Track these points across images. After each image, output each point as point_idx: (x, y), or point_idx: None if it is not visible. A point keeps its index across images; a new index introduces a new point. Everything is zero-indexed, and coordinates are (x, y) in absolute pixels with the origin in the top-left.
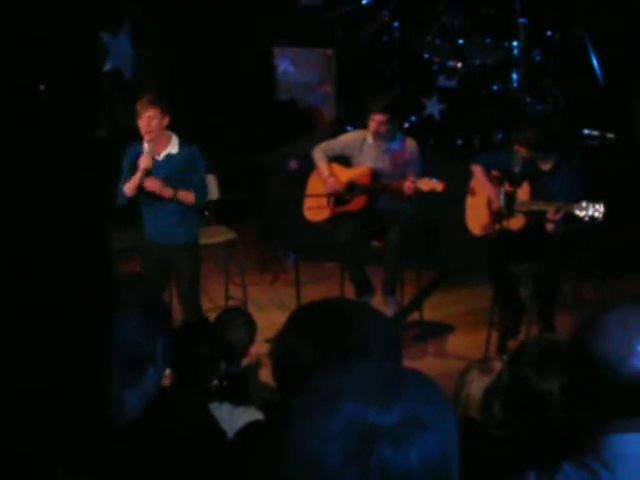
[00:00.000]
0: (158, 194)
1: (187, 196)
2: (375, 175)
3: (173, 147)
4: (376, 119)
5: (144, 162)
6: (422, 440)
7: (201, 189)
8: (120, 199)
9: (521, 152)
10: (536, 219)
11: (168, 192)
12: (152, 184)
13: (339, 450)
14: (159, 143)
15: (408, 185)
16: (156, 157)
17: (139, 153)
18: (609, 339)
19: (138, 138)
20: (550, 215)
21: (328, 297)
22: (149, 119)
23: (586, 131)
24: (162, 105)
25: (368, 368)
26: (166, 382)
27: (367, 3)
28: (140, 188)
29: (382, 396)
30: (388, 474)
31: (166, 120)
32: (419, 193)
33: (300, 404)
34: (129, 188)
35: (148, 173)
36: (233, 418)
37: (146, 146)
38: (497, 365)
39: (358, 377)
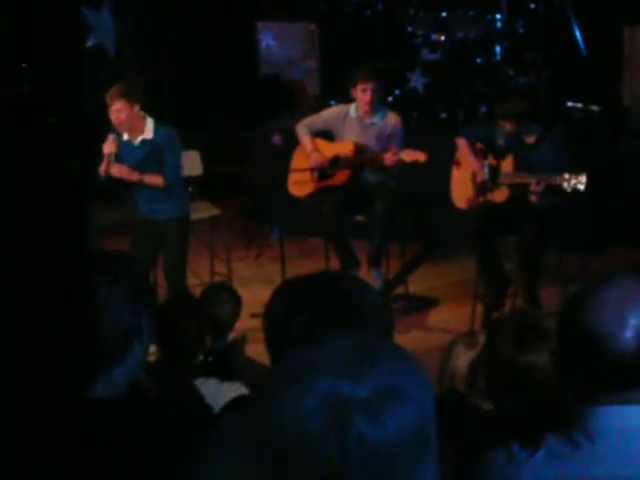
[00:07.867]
0: (125, 179)
1: (155, 179)
2: (359, 149)
3: (148, 132)
4: (365, 88)
5: (107, 147)
6: (398, 410)
7: (171, 170)
8: (100, 179)
9: (506, 127)
10: (520, 191)
11: (134, 177)
12: (118, 170)
13: (316, 426)
14: (134, 129)
15: (390, 156)
16: (133, 142)
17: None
18: (602, 312)
19: None
20: (533, 187)
21: (319, 270)
22: (117, 112)
23: (570, 103)
24: (130, 95)
25: (341, 341)
26: (151, 358)
27: None
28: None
29: (354, 369)
30: (367, 445)
31: (136, 108)
32: (402, 165)
33: (273, 380)
34: (101, 170)
35: (117, 158)
36: (219, 393)
37: (125, 136)
38: (482, 339)
39: (330, 351)
